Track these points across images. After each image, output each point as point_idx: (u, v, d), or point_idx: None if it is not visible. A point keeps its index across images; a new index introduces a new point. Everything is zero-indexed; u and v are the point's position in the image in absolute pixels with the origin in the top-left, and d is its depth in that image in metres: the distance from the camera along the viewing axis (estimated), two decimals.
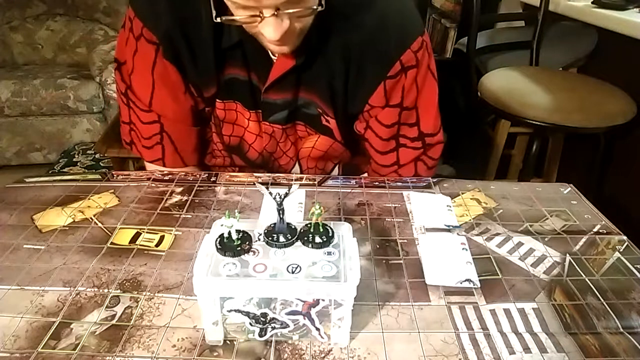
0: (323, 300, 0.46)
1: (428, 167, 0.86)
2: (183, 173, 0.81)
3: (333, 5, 0.63)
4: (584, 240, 0.66)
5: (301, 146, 0.88)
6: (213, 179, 0.79)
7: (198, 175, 0.80)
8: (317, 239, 0.48)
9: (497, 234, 0.67)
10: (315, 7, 0.61)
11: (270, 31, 0.60)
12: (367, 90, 0.77)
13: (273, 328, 0.49)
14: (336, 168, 0.95)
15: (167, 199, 0.73)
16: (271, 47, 0.69)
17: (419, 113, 0.81)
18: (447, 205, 0.73)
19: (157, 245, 0.63)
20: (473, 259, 0.62)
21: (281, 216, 0.49)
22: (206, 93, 0.80)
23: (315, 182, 0.79)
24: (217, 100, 0.81)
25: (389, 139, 0.82)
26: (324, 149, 0.87)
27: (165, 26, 0.72)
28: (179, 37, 0.73)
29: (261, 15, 0.59)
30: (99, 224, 0.66)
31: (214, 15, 0.61)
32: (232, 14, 0.62)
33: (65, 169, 2.18)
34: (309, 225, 0.50)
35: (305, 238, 0.49)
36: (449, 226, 0.68)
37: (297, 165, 0.91)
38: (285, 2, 0.58)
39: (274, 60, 0.74)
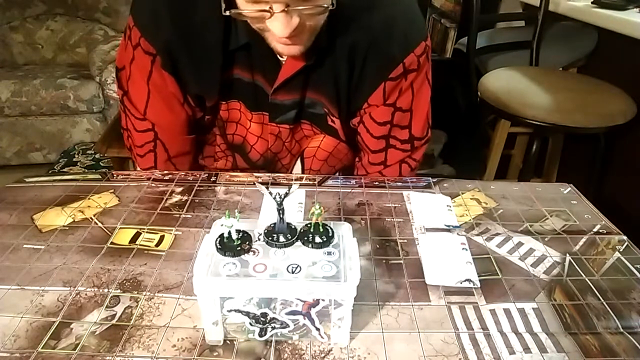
0: (323, 300, 0.46)
1: (411, 168, 0.87)
2: (183, 173, 0.81)
3: (341, 6, 0.63)
4: (584, 240, 0.66)
5: (306, 145, 0.88)
6: (213, 179, 0.79)
7: (198, 175, 0.80)
8: (317, 239, 0.48)
9: (497, 234, 0.67)
10: (326, 5, 0.60)
11: (279, 27, 0.60)
12: (368, 90, 0.77)
13: (273, 328, 0.49)
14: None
15: (167, 199, 0.73)
16: (279, 49, 0.68)
17: (412, 117, 0.82)
18: (447, 205, 0.73)
19: (157, 245, 0.63)
20: (473, 259, 0.62)
21: (281, 216, 0.49)
22: (209, 102, 0.80)
23: (315, 182, 0.79)
24: (221, 102, 0.80)
25: (380, 137, 0.83)
26: (329, 149, 0.87)
27: (166, 37, 0.72)
28: (181, 47, 0.73)
29: (271, 10, 0.58)
30: (99, 224, 0.66)
31: (223, 8, 0.61)
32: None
33: (65, 169, 2.18)
34: (309, 225, 0.50)
35: (305, 238, 0.49)
36: (449, 226, 0.68)
37: (298, 163, 0.91)
38: None
39: (283, 62, 0.74)
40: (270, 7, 0.58)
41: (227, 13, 0.61)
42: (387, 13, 0.72)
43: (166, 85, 0.77)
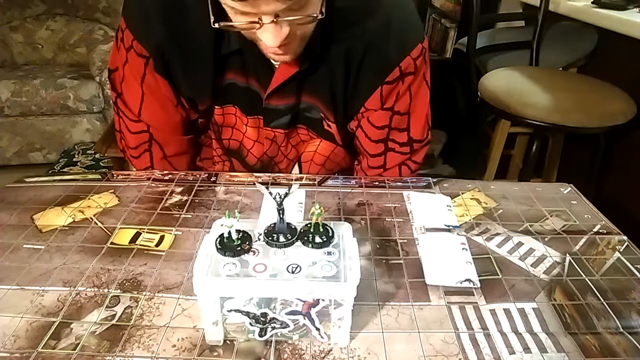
0: (323, 300, 0.46)
1: (412, 170, 0.87)
2: (183, 173, 0.81)
3: (337, 11, 0.62)
4: (584, 240, 0.66)
5: (303, 150, 0.88)
6: (213, 179, 0.79)
7: (198, 175, 0.80)
8: (317, 239, 0.48)
9: (497, 234, 0.67)
10: (315, 15, 0.60)
11: (269, 38, 0.60)
12: (364, 94, 0.77)
13: (273, 328, 0.49)
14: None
15: (167, 199, 0.73)
16: (271, 56, 0.68)
17: (410, 119, 0.81)
18: (447, 205, 0.73)
19: (157, 245, 0.63)
20: (473, 259, 0.62)
21: (281, 216, 0.49)
22: (201, 106, 0.79)
23: (315, 182, 0.79)
24: (215, 106, 0.80)
25: (378, 141, 0.83)
26: (326, 153, 0.87)
27: (158, 40, 0.72)
28: (173, 51, 0.73)
29: (260, 21, 0.58)
30: (99, 224, 0.66)
31: (212, 21, 0.61)
32: (230, 20, 0.61)
33: (65, 169, 2.18)
34: (309, 225, 0.50)
35: (305, 238, 0.49)
36: (449, 226, 0.68)
37: (296, 167, 0.91)
38: (284, 9, 0.57)
39: (276, 67, 0.74)
40: (259, 19, 0.58)
41: (217, 25, 0.61)
42: (382, 16, 0.72)
43: (159, 87, 0.77)
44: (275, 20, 0.58)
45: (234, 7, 0.58)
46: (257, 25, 0.59)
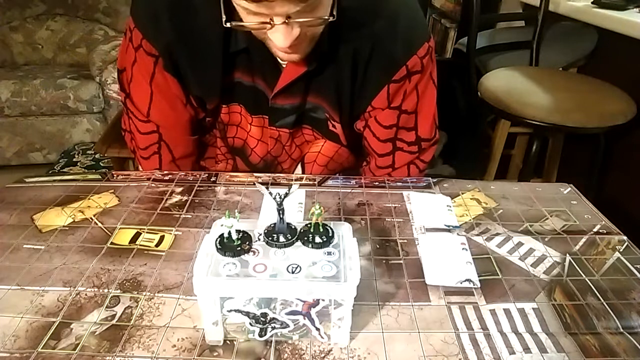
0: (323, 300, 0.46)
1: (420, 169, 0.87)
2: (183, 173, 0.81)
3: (343, 11, 0.63)
4: (584, 240, 0.66)
5: (307, 150, 0.88)
6: (213, 179, 0.79)
7: (198, 175, 0.80)
8: (317, 239, 0.48)
9: (497, 234, 0.67)
10: (326, 17, 0.61)
11: (279, 38, 0.60)
12: (371, 93, 0.77)
13: (273, 328, 0.49)
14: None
15: (167, 199, 0.73)
16: (280, 55, 0.69)
17: (418, 118, 0.81)
18: (447, 205, 0.73)
19: (157, 245, 0.63)
20: (473, 259, 0.62)
21: (281, 216, 0.49)
22: (209, 104, 0.79)
23: (315, 182, 0.79)
24: (222, 105, 0.80)
25: (386, 140, 0.83)
26: (330, 154, 0.87)
27: (167, 39, 0.72)
28: (182, 49, 0.73)
29: (271, 22, 0.58)
30: (99, 224, 0.66)
31: (223, 20, 0.61)
32: (241, 20, 0.61)
33: (65, 169, 2.19)
34: (309, 225, 0.50)
35: (305, 238, 0.49)
36: (449, 226, 0.68)
37: (299, 167, 0.91)
38: (297, 11, 0.57)
39: (283, 67, 0.74)
40: (270, 19, 0.58)
41: (228, 25, 0.61)
42: (389, 15, 0.72)
43: (169, 86, 0.77)
44: (286, 21, 0.58)
45: (247, 8, 0.58)
46: (268, 26, 0.59)
